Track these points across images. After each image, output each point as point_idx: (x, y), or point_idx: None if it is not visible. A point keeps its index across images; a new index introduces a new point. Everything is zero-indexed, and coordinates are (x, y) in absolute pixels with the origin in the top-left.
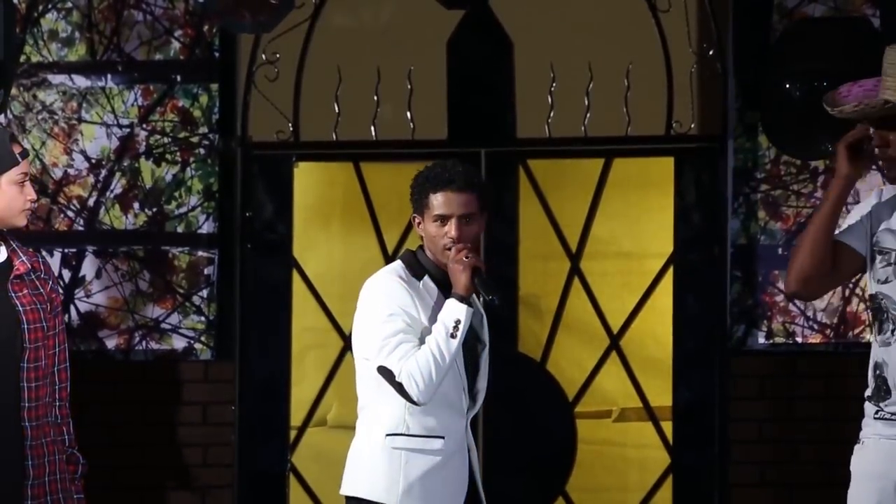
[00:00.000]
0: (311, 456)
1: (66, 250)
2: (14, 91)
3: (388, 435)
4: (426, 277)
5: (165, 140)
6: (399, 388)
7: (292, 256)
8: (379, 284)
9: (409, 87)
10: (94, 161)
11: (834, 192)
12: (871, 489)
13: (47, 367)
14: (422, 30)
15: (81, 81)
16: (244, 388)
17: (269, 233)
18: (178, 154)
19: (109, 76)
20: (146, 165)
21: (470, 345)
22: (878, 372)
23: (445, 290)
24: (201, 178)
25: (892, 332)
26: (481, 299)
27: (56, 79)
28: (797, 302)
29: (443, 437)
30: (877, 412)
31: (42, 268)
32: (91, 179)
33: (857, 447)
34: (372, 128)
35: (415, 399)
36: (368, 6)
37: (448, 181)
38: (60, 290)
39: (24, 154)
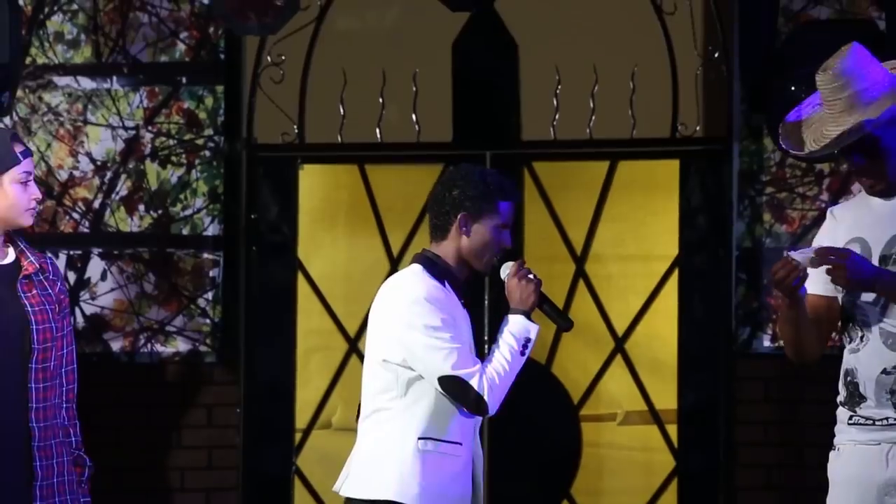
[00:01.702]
0: (316, 458)
1: (71, 252)
2: (20, 93)
3: (420, 439)
4: (446, 281)
5: (171, 142)
6: (467, 397)
7: (297, 258)
8: (421, 289)
9: (414, 89)
10: (99, 163)
11: (787, 310)
12: (850, 495)
13: (56, 369)
14: (427, 32)
15: (87, 83)
16: (249, 391)
17: (275, 235)
18: (183, 156)
19: (115, 78)
20: (151, 167)
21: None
22: (848, 378)
23: (459, 294)
24: (206, 180)
25: (861, 339)
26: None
27: (61, 81)
28: None
29: (461, 444)
30: (850, 417)
31: (50, 269)
32: (96, 181)
33: (832, 454)
34: (377, 130)
35: (489, 411)
36: (373, 8)
37: (517, 194)
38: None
39: (27, 153)
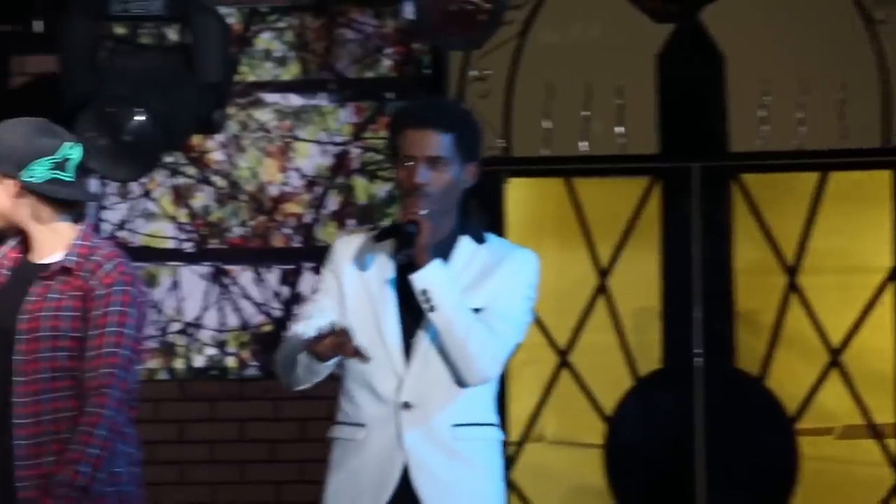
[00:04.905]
0: (531, 472)
1: (283, 267)
2: (230, 110)
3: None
4: None
5: (378, 157)
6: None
7: None
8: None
9: (619, 101)
10: (309, 179)
11: None
12: None
13: (62, 380)
14: (632, 44)
15: (295, 100)
16: None
17: None
18: (391, 171)
19: (322, 94)
20: (360, 182)
21: None
22: None
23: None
24: None
25: None
26: None
27: (271, 98)
28: None
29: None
30: None
31: (90, 266)
32: (306, 197)
33: None
34: (583, 143)
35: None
36: (578, 21)
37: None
38: (108, 290)
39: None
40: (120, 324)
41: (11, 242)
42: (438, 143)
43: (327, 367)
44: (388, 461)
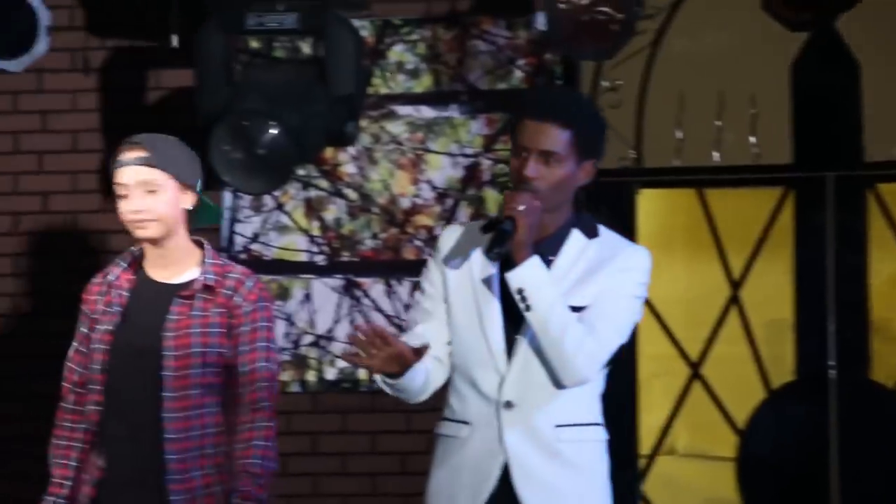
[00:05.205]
0: (662, 485)
1: (414, 279)
2: (363, 123)
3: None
4: None
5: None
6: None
7: None
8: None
9: (752, 111)
10: (440, 191)
11: None
12: None
13: (202, 396)
14: (765, 53)
15: (427, 112)
16: None
17: None
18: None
19: (454, 106)
20: (491, 194)
21: None
22: None
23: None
24: None
25: None
26: None
27: (403, 110)
28: None
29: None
30: None
31: (232, 284)
32: (437, 209)
33: None
34: (715, 153)
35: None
36: (710, 30)
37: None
38: (254, 307)
39: (123, 163)
40: (267, 339)
41: (122, 263)
42: (555, 137)
43: (405, 383)
44: (488, 460)
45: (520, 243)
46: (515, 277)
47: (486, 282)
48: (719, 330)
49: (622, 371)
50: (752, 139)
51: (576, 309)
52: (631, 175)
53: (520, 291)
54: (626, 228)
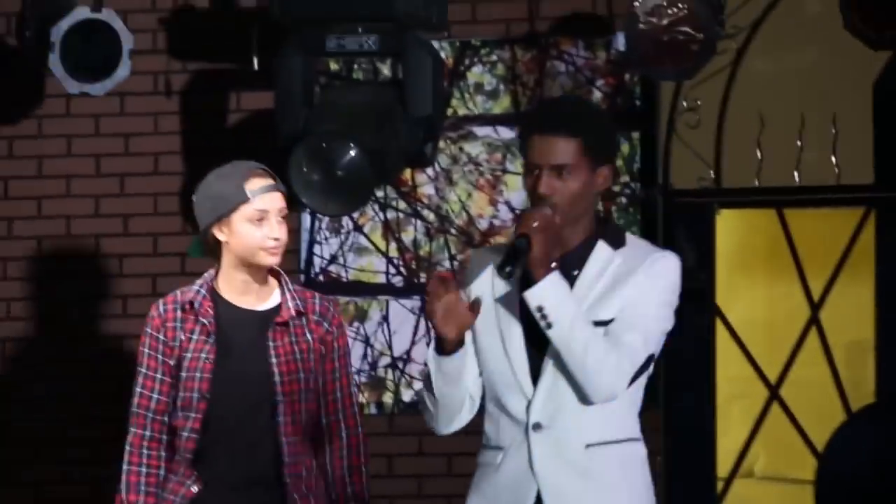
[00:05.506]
0: None
1: None
2: (441, 144)
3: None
4: None
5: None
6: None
7: (716, 305)
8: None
9: (833, 130)
10: (518, 212)
11: None
12: None
13: (310, 421)
14: (847, 72)
15: (505, 133)
16: (670, 439)
17: (692, 281)
18: (600, 203)
19: None
20: None
21: None
22: None
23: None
24: (624, 226)
25: None
26: None
27: (481, 131)
28: None
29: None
30: None
31: (317, 309)
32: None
33: None
34: (795, 173)
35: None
36: (792, 50)
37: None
38: (340, 332)
39: (267, 189)
40: (349, 363)
41: (202, 291)
42: (563, 149)
43: (455, 365)
44: (520, 486)
45: (535, 260)
46: (533, 295)
47: (508, 303)
48: (798, 351)
49: (700, 393)
50: (833, 159)
51: (603, 323)
52: (710, 195)
53: (540, 309)
54: (705, 249)
